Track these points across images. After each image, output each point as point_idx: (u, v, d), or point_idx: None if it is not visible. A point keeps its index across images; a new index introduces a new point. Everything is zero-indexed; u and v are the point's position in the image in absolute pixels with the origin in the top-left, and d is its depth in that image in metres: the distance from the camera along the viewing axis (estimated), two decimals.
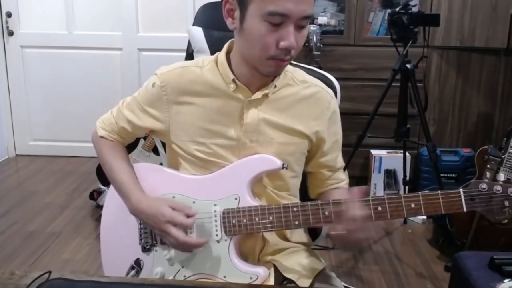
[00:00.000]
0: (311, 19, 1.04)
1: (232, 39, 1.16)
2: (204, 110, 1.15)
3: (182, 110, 1.16)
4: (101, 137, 1.26)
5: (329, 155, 1.25)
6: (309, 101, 1.19)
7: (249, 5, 1.02)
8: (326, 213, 1.06)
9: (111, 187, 1.26)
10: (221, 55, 1.16)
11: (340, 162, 1.30)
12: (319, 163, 1.25)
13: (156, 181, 1.20)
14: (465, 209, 1.00)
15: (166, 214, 1.09)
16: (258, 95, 1.14)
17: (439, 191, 1.01)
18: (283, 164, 1.12)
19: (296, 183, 1.25)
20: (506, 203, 0.98)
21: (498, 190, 0.99)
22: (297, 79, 1.20)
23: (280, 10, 0.99)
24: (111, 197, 1.26)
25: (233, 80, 1.13)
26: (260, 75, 1.10)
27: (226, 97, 1.14)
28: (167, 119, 1.18)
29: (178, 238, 1.08)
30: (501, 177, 0.98)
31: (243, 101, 1.14)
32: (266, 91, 1.14)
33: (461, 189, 1.00)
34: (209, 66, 1.17)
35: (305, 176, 1.30)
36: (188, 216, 1.10)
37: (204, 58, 1.20)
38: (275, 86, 1.15)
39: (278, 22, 1.01)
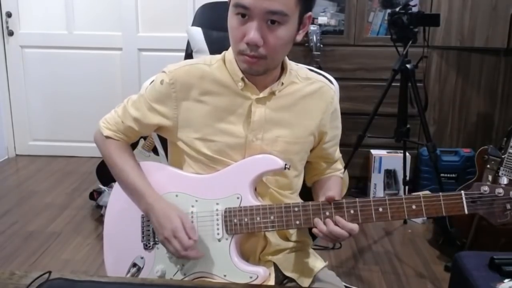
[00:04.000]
0: (284, 16, 1.01)
1: None
2: (212, 107, 1.15)
3: (190, 107, 1.16)
4: (107, 137, 1.24)
5: (330, 148, 1.28)
6: (313, 96, 1.20)
7: None
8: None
9: (115, 187, 1.26)
10: (229, 53, 1.17)
11: (338, 154, 1.33)
12: (319, 154, 1.28)
13: (160, 180, 1.20)
14: (466, 212, 1.00)
15: (173, 222, 1.09)
16: (265, 93, 1.15)
17: (440, 193, 1.01)
18: (285, 164, 1.12)
19: (298, 181, 1.26)
20: (508, 206, 0.98)
21: (500, 193, 0.99)
22: (300, 77, 1.21)
23: (242, 2, 1.01)
24: (114, 197, 1.26)
25: (242, 79, 1.13)
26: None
27: (234, 95, 1.15)
28: (175, 116, 1.18)
29: (178, 251, 1.09)
30: (504, 180, 0.97)
31: (251, 99, 1.15)
32: (273, 89, 1.15)
33: (462, 192, 1.00)
34: (217, 65, 1.18)
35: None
36: (189, 238, 1.09)
37: (211, 57, 1.21)
38: (282, 83, 1.16)
39: (242, 13, 1.02)
